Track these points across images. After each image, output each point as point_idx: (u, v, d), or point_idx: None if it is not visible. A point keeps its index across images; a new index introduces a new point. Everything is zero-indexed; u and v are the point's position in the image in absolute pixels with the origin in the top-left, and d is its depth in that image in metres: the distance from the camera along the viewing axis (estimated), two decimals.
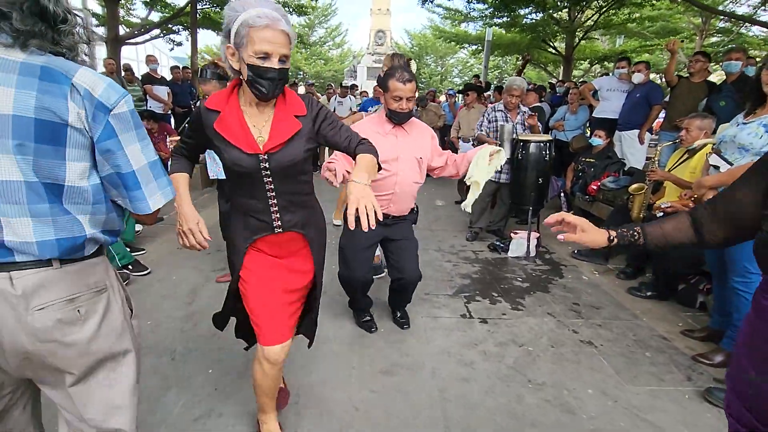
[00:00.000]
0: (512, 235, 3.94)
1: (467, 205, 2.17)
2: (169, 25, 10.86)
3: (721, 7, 11.74)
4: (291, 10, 10.44)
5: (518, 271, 3.57)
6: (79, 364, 0.95)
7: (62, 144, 0.84)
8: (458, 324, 2.66)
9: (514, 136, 3.84)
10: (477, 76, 9.97)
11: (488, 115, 4.09)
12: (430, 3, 9.57)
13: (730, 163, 2.14)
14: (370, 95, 9.89)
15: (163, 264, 3.42)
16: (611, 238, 1.05)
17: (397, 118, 2.24)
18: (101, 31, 9.35)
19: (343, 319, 2.66)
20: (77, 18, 0.90)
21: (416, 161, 2.28)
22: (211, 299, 2.85)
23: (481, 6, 10.72)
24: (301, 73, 27.68)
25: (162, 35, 11.58)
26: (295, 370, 2.14)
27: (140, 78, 6.79)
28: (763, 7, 10.80)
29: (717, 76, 6.11)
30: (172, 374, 2.09)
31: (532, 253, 3.88)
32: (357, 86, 10.19)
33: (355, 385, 2.06)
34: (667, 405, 1.97)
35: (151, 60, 6.49)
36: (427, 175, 2.38)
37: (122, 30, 9.32)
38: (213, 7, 10.02)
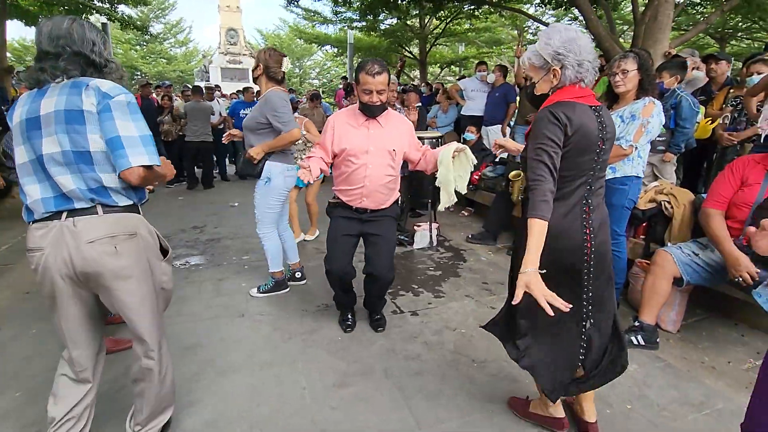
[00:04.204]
0: (415, 228, 4.15)
1: (442, 207, 2.18)
2: None
3: (530, 22, 14.26)
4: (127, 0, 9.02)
5: (427, 261, 3.78)
6: (115, 285, 1.40)
7: (82, 123, 1.32)
8: (393, 321, 2.68)
9: None
10: (345, 78, 10.15)
11: None
12: (295, 4, 9.32)
13: None
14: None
15: (14, 317, 2.65)
16: None
17: (368, 112, 2.18)
18: None
19: (275, 339, 2.45)
20: (113, 64, 1.46)
21: (388, 154, 2.24)
22: None
23: (343, 9, 10.91)
24: (139, 73, 24.25)
25: None
26: (240, 405, 1.89)
27: None
28: (566, 17, 13.42)
29: None
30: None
31: (435, 243, 4.14)
32: (220, 87, 9.34)
33: (312, 406, 1.91)
34: None
35: None
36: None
37: None
38: None
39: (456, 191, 2.26)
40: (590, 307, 1.54)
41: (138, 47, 24.89)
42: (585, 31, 8.37)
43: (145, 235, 1.47)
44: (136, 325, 1.48)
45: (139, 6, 10.78)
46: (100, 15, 9.01)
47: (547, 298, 1.27)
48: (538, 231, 1.36)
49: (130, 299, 1.44)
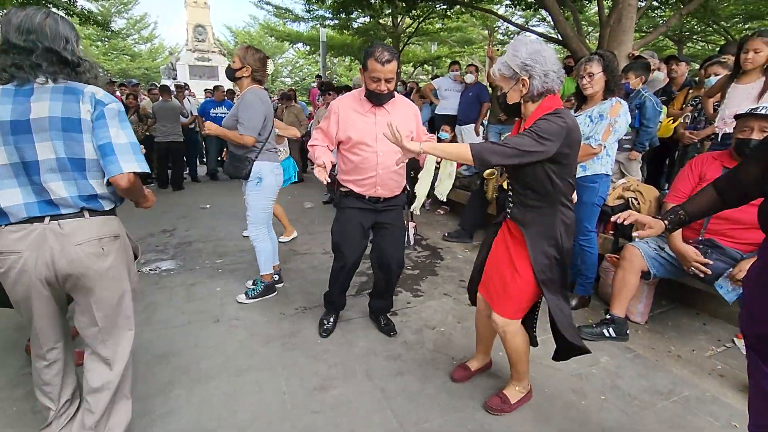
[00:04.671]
0: None
1: (414, 208, 2.17)
2: None
3: (500, 22, 14.54)
4: None
5: (405, 260, 3.77)
6: (99, 284, 1.43)
7: (80, 131, 1.35)
8: (371, 321, 2.67)
9: None
10: (319, 76, 10.05)
11: None
12: (265, 1, 9.12)
13: None
14: (198, 95, 8.83)
15: None
16: (667, 225, 1.40)
17: (375, 99, 2.11)
18: None
19: (252, 344, 2.39)
20: (87, 62, 1.41)
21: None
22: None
23: (315, 7, 10.78)
24: (101, 70, 23.17)
25: None
26: (217, 413, 1.84)
27: None
28: (534, 18, 13.72)
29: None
30: None
31: (412, 242, 4.15)
32: (188, 85, 9.05)
33: (293, 411, 1.88)
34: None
35: None
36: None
37: None
38: None
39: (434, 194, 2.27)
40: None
41: (99, 43, 23.79)
42: (553, 32, 8.57)
43: (124, 236, 1.55)
44: (110, 321, 1.50)
45: (99, 0, 10.33)
46: (58, 9, 8.58)
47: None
48: (459, 153, 1.53)
49: (110, 296, 1.48)
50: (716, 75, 3.28)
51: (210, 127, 2.64)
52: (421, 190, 2.04)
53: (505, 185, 3.96)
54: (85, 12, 9.07)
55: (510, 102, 1.62)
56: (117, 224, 1.51)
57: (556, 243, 1.62)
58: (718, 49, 5.96)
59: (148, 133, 6.84)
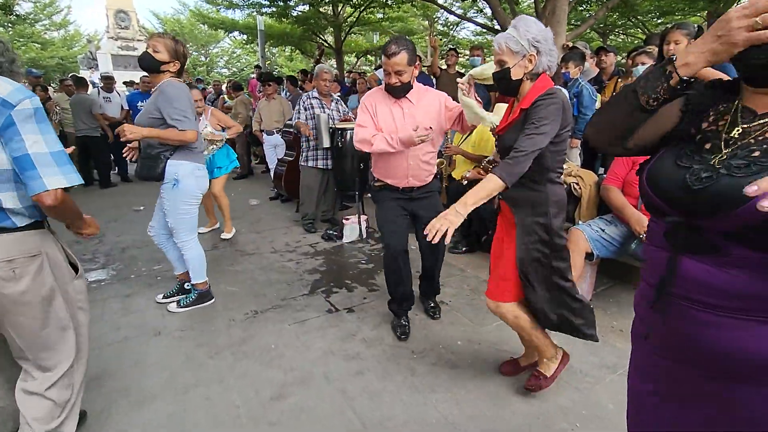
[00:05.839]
0: (344, 221, 4.06)
1: (492, 122, 2.05)
2: None
3: (440, 13, 14.73)
4: None
5: (358, 254, 3.72)
6: (14, 311, 1.25)
7: None
8: (328, 320, 2.58)
9: (331, 124, 3.91)
10: (258, 66, 9.61)
11: (303, 103, 4.03)
12: None
13: None
14: (119, 86, 8.10)
15: None
16: None
17: (392, 92, 2.16)
18: None
19: (199, 356, 2.22)
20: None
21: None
22: None
23: None
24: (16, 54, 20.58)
25: None
26: None
27: None
28: (472, 9, 14.03)
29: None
30: None
31: (365, 235, 4.10)
32: (113, 77, 8.25)
33: (248, 425, 1.76)
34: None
35: None
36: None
37: None
38: None
39: None
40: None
41: (1, 29, 21.11)
42: (491, 23, 8.75)
43: (51, 252, 1.35)
44: (39, 349, 1.36)
45: None
46: None
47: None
48: (492, 187, 1.46)
49: (31, 323, 1.31)
50: (643, 64, 3.49)
51: (134, 131, 2.20)
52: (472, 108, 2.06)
53: (454, 175, 4.01)
54: None
55: (514, 78, 1.61)
56: (37, 241, 1.30)
57: (545, 222, 1.64)
58: (638, 41, 6.42)
59: (62, 128, 6.27)
